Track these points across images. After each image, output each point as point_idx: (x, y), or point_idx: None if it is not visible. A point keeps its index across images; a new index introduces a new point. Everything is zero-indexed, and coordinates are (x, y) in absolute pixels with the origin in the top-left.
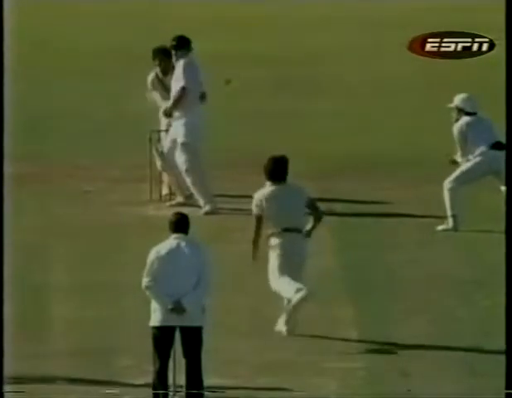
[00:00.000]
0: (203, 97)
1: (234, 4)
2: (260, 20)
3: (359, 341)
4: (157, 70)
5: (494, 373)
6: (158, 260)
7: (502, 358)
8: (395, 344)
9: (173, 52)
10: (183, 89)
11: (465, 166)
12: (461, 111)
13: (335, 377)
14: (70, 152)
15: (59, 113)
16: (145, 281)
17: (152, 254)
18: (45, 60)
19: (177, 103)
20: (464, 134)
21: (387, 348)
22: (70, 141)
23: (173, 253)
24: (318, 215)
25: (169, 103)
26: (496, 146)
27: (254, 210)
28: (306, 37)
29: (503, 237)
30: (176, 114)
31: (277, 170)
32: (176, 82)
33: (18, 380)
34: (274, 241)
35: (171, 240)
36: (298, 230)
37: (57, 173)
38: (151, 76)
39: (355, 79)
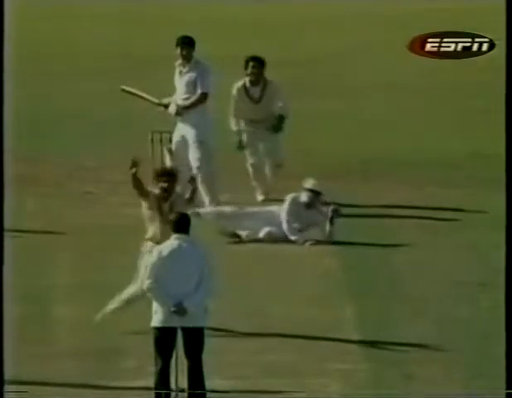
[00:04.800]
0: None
1: (234, 5)
2: (260, 21)
3: (362, 342)
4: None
5: (495, 374)
6: (160, 262)
7: (503, 359)
8: (397, 345)
9: (181, 49)
10: (205, 95)
11: None
12: None
13: (338, 378)
14: (71, 153)
15: (60, 114)
16: (147, 283)
17: (154, 256)
18: (47, 60)
19: (195, 106)
20: None
21: (389, 349)
22: (71, 142)
23: (175, 254)
24: None
25: (182, 102)
26: None
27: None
28: (307, 38)
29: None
30: (189, 113)
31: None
32: (194, 86)
33: (19, 381)
34: None
35: (172, 241)
36: None
37: (58, 175)
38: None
39: (356, 79)
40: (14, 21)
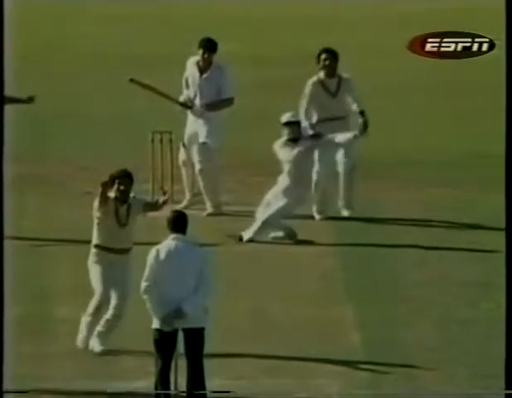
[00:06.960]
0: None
1: (234, 5)
2: (259, 20)
3: (363, 343)
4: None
5: (495, 374)
6: (157, 263)
7: (503, 359)
8: (398, 346)
9: (203, 52)
10: (232, 100)
11: None
12: None
13: (338, 379)
14: (71, 153)
15: (60, 114)
16: (144, 285)
17: (152, 257)
18: (47, 60)
19: (218, 110)
20: None
21: (389, 350)
22: (71, 142)
23: (172, 255)
24: None
25: (207, 105)
26: None
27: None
28: (307, 38)
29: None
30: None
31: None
32: (217, 90)
33: (19, 380)
34: None
35: (170, 241)
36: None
37: (58, 174)
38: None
39: (355, 79)
40: (15, 20)
